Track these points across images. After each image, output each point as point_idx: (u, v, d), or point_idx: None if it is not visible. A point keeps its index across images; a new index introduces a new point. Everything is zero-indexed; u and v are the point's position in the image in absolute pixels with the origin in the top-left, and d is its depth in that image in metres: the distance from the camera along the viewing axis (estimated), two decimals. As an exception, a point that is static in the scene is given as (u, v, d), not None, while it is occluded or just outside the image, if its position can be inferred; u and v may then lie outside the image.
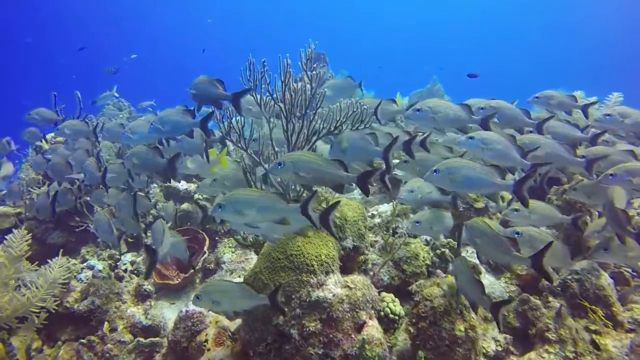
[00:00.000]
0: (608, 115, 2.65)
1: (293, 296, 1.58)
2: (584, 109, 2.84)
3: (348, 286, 1.62)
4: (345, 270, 1.85)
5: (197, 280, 3.22)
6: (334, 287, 1.60)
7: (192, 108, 1.92)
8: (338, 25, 34.85)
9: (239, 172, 2.01)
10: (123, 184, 2.51)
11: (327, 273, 1.63)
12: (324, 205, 1.82)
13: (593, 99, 5.28)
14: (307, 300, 1.56)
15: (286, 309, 1.58)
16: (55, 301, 1.86)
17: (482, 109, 2.45)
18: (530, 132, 2.54)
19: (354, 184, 1.97)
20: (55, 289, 1.96)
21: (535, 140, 2.18)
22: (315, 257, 1.62)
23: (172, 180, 3.91)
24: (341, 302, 1.57)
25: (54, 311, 1.82)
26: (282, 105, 1.85)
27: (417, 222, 1.98)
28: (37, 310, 1.72)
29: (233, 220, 1.54)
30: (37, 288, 1.75)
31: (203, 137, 2.01)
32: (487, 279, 2.52)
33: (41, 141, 4.22)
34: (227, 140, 1.98)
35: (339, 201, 1.62)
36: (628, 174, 2.01)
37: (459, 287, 1.70)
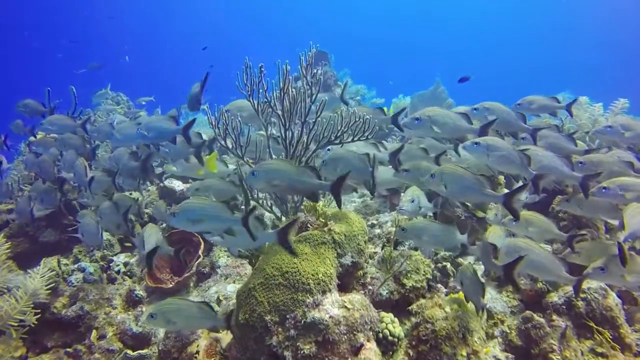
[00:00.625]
0: (609, 127, 2.60)
1: (288, 316, 1.50)
2: (568, 109, 2.82)
3: (346, 306, 1.54)
4: (343, 286, 1.77)
5: (191, 284, 3.14)
6: (330, 307, 1.52)
7: (175, 115, 1.95)
8: (341, 22, 34.64)
9: (222, 182, 2.00)
10: (106, 190, 2.48)
11: (324, 292, 1.54)
12: (321, 219, 1.73)
13: (598, 105, 5.20)
14: (303, 321, 1.48)
15: (280, 329, 1.50)
16: (36, 313, 1.78)
17: (475, 109, 2.40)
18: (523, 139, 2.51)
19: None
20: (40, 296, 1.87)
21: (533, 152, 2.11)
22: (312, 275, 1.54)
23: (162, 180, 3.87)
24: (338, 324, 1.49)
25: (33, 325, 1.74)
26: (280, 112, 1.76)
27: (403, 230, 1.93)
28: (15, 324, 1.64)
29: (187, 228, 1.59)
30: (16, 300, 1.66)
31: (194, 141, 2.01)
32: (489, 292, 2.44)
33: (30, 135, 4.12)
34: (224, 147, 1.90)
35: (297, 218, 1.58)
36: (621, 189, 2.00)
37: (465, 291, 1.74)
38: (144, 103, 5.90)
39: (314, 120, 1.77)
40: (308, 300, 1.50)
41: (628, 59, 28.43)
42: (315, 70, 1.75)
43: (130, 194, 3.84)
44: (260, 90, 1.82)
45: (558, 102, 2.80)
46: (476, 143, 1.99)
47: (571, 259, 2.03)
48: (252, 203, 1.90)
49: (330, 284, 1.58)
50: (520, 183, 2.42)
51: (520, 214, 2.07)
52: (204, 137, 3.12)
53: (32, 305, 1.75)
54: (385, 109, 2.69)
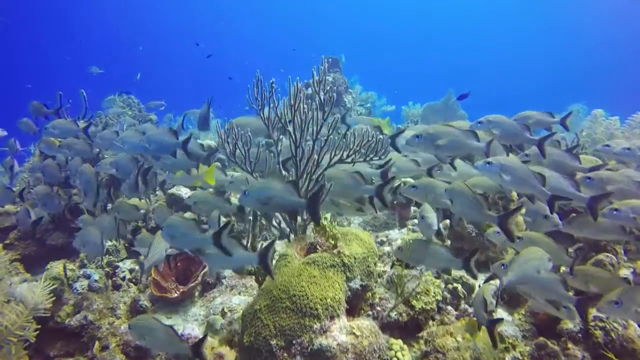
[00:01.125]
0: (628, 149, 2.53)
1: (294, 341, 1.45)
2: (563, 124, 2.76)
3: (354, 333, 1.49)
4: (351, 308, 1.72)
5: (196, 294, 3.11)
6: (338, 334, 1.47)
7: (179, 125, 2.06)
8: (355, 26, 34.72)
9: (217, 198, 2.04)
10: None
11: (332, 318, 1.50)
12: (331, 241, 1.69)
13: (615, 118, 5.09)
14: (309, 347, 1.43)
15: (285, 354, 1.46)
16: (36, 329, 1.75)
17: (479, 123, 2.37)
18: (527, 155, 2.46)
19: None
20: (40, 312, 1.84)
21: (539, 172, 2.06)
22: (320, 300, 1.49)
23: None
24: (345, 351, 1.44)
25: (33, 341, 1.73)
26: (290, 130, 1.72)
27: (400, 249, 1.92)
28: (15, 339, 1.62)
29: (170, 244, 1.64)
30: (16, 315, 1.64)
31: (196, 153, 2.18)
32: (500, 314, 2.37)
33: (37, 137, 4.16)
34: (233, 162, 1.87)
35: (274, 240, 1.57)
36: (633, 212, 1.92)
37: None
38: (162, 108, 5.94)
39: (325, 138, 1.73)
40: (315, 326, 1.46)
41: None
42: (328, 87, 1.71)
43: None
44: (271, 105, 1.79)
45: (552, 116, 2.75)
46: (488, 163, 1.94)
47: (568, 282, 1.97)
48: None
49: (339, 309, 1.53)
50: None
51: (526, 234, 2.02)
52: (212, 144, 3.11)
53: (32, 321, 1.73)
54: (378, 121, 2.67)
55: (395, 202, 3.11)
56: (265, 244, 1.52)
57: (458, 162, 2.26)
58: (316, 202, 1.52)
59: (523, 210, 2.67)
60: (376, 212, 1.88)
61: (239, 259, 1.50)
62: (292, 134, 1.72)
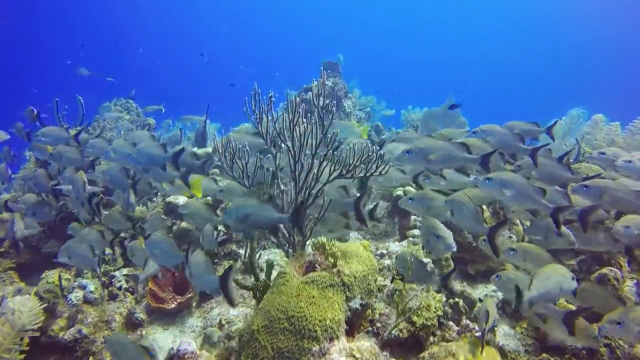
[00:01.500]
0: (629, 161, 2.51)
1: (292, 364, 1.41)
2: (549, 132, 2.80)
3: (354, 355, 1.45)
4: (350, 325, 1.68)
5: (194, 304, 3.06)
6: (337, 356, 1.43)
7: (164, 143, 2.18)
8: (354, 25, 34.73)
9: (207, 210, 2.10)
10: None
11: (331, 339, 1.45)
12: (330, 259, 1.65)
13: (616, 124, 5.06)
14: (308, 371, 1.39)
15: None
16: (22, 352, 1.69)
17: (474, 132, 2.36)
18: (519, 166, 2.47)
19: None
20: (28, 333, 1.79)
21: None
22: (319, 321, 1.45)
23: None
24: (345, 375, 1.40)
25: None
26: (289, 145, 1.68)
27: (398, 256, 1.97)
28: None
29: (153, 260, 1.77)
30: (3, 337, 1.59)
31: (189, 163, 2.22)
32: (501, 328, 2.33)
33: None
34: (230, 176, 1.83)
35: (232, 266, 1.67)
36: (637, 228, 1.93)
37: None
38: (163, 111, 5.91)
39: (324, 152, 1.69)
40: (314, 348, 1.41)
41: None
42: (327, 101, 1.67)
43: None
44: (269, 118, 1.75)
45: (538, 126, 2.76)
46: (489, 178, 1.92)
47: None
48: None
49: (338, 331, 1.49)
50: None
51: (521, 246, 2.01)
52: (210, 151, 3.07)
53: (19, 342, 1.68)
54: (358, 126, 2.67)
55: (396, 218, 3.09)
56: (225, 268, 1.56)
57: (447, 171, 2.26)
58: (298, 217, 1.59)
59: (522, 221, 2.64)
60: (366, 226, 1.88)
61: (204, 281, 1.51)
62: (291, 148, 1.68)
